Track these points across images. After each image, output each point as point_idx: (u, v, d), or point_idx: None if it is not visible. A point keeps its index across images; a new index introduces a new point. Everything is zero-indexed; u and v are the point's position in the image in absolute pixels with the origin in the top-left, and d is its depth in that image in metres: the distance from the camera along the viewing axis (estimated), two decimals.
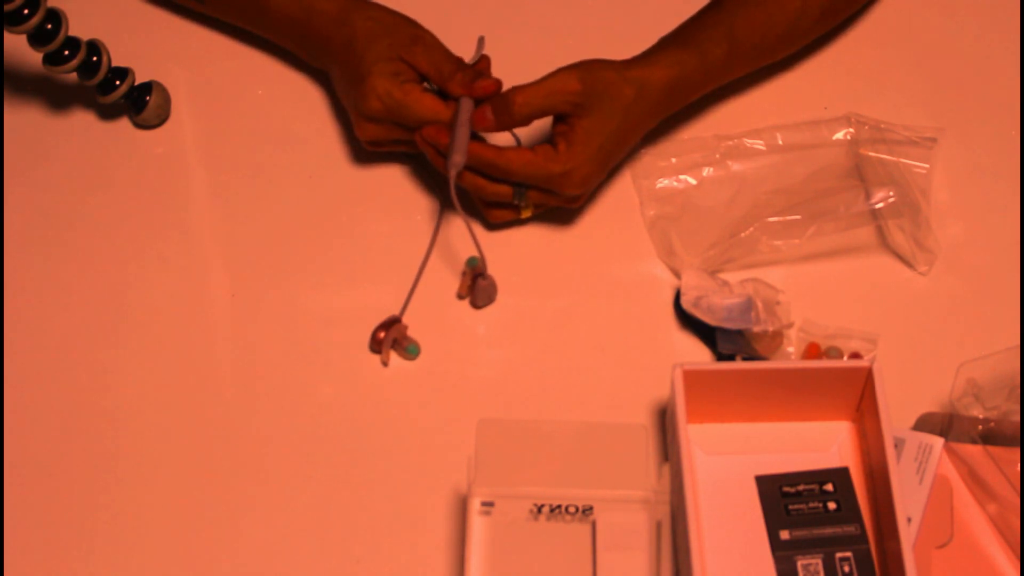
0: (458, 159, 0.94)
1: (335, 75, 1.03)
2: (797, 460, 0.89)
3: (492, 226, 1.02)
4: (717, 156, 1.04)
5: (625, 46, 0.98)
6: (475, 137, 0.96)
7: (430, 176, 1.05)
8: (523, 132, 1.03)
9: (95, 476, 0.93)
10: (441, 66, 0.97)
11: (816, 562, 0.86)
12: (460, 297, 0.99)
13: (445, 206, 1.03)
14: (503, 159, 0.94)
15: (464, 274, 0.98)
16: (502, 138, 1.02)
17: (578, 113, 0.94)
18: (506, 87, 0.95)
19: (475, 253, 0.96)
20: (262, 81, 1.10)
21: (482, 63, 1.00)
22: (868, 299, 0.99)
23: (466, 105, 0.95)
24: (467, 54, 1.01)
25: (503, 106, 0.94)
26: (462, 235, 1.01)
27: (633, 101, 0.95)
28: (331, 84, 1.06)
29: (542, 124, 1.00)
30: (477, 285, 0.98)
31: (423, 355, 0.97)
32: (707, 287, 0.97)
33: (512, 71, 0.97)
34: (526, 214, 1.00)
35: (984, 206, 1.04)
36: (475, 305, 0.99)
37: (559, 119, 0.96)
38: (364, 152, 1.06)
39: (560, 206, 1.00)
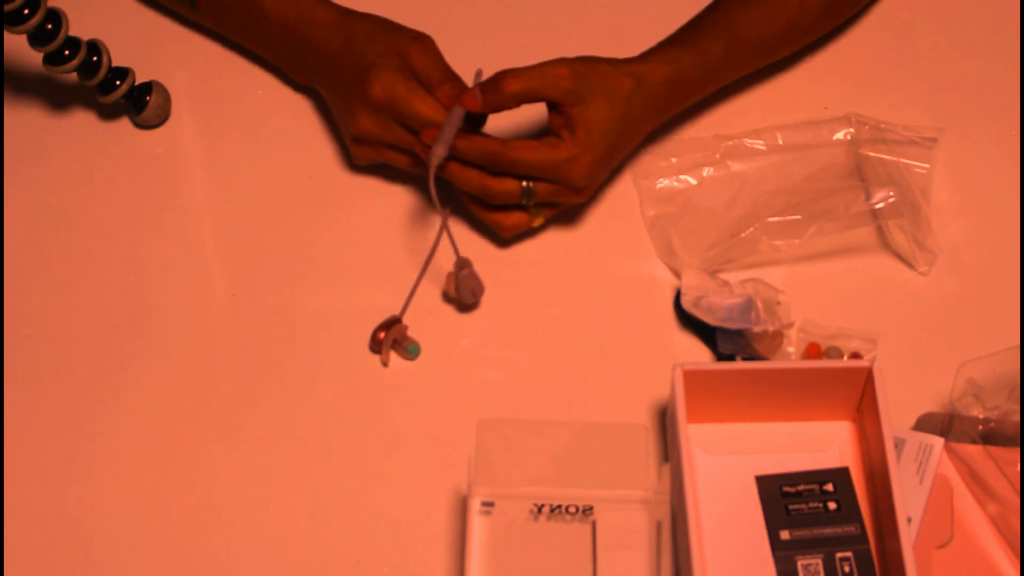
0: (440, 150, 0.93)
1: (325, 83, 1.03)
2: (797, 460, 0.89)
3: (506, 242, 1.02)
4: (717, 156, 1.04)
5: (626, 48, 0.98)
6: (479, 133, 0.96)
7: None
8: (520, 132, 1.04)
9: (93, 476, 0.93)
10: (432, 73, 0.97)
11: (816, 562, 0.86)
12: (447, 299, 0.99)
13: (448, 207, 1.02)
14: (508, 148, 0.94)
15: (449, 275, 0.97)
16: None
17: (571, 102, 0.94)
18: None
19: (469, 255, 0.95)
20: (262, 81, 1.10)
21: None
22: (868, 299, 0.99)
23: (457, 110, 0.95)
24: (469, 56, 1.00)
25: (492, 86, 0.94)
26: (464, 237, 1.00)
27: (632, 92, 0.95)
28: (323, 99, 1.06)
29: (535, 117, 0.99)
30: (457, 278, 0.97)
31: (423, 355, 0.97)
32: (707, 287, 0.97)
33: None
34: (537, 222, 0.99)
35: (984, 206, 1.04)
36: (462, 302, 0.98)
37: (554, 110, 0.95)
38: None
39: (568, 202, 0.99)
